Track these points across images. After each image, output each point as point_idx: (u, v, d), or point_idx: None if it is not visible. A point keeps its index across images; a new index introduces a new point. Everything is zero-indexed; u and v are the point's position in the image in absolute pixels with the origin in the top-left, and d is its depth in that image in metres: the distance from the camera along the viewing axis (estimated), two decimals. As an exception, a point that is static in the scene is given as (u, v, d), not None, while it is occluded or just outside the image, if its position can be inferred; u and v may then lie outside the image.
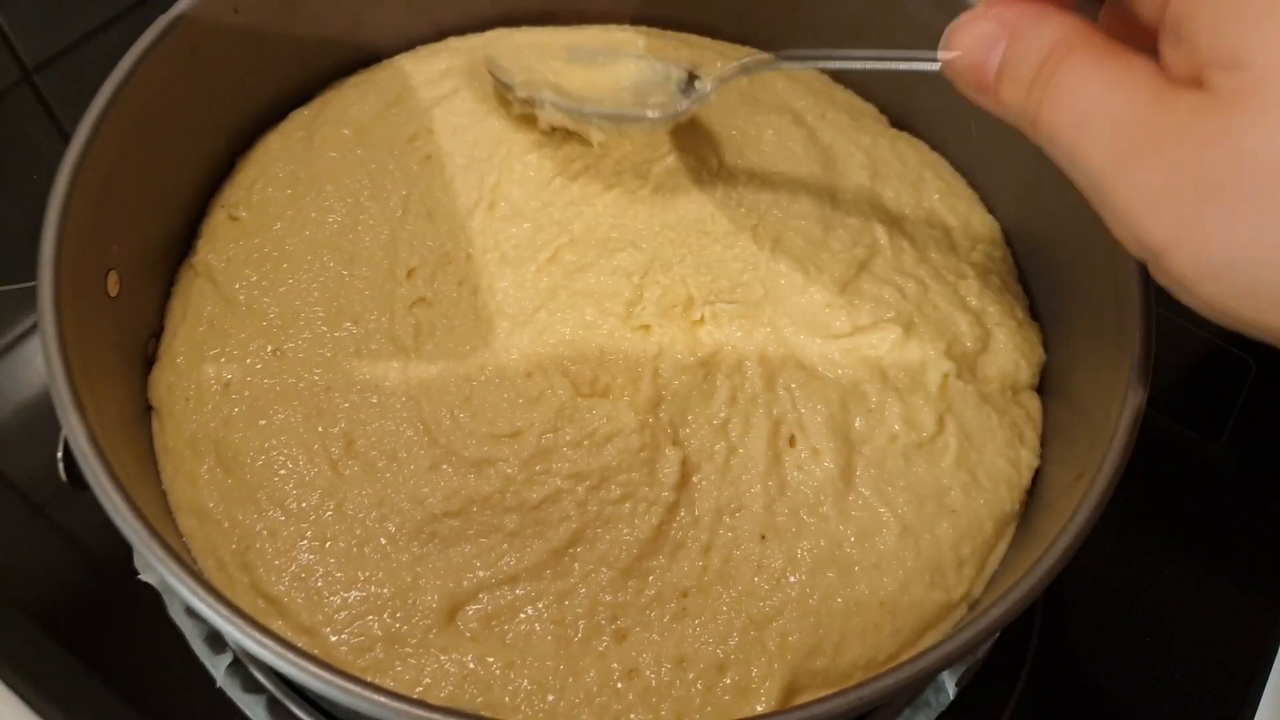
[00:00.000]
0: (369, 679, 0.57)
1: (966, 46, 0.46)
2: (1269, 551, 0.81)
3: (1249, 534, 0.83)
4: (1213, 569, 0.81)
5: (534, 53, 0.77)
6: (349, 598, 0.59)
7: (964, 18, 0.47)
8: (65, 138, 0.60)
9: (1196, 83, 0.37)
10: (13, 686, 0.69)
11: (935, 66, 0.50)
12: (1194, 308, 0.38)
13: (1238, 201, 0.34)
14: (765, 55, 0.66)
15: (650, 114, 0.70)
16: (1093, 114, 0.39)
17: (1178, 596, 0.80)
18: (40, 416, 0.85)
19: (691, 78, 0.71)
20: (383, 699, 0.45)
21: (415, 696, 0.57)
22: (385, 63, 0.83)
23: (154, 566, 0.46)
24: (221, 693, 0.64)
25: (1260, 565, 0.81)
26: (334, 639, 0.58)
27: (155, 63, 0.64)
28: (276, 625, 0.59)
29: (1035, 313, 0.75)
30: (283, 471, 0.63)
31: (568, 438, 0.63)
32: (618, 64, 0.74)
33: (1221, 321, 0.37)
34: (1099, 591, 0.79)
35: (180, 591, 0.46)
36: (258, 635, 0.46)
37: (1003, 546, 0.65)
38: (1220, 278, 0.35)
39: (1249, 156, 0.33)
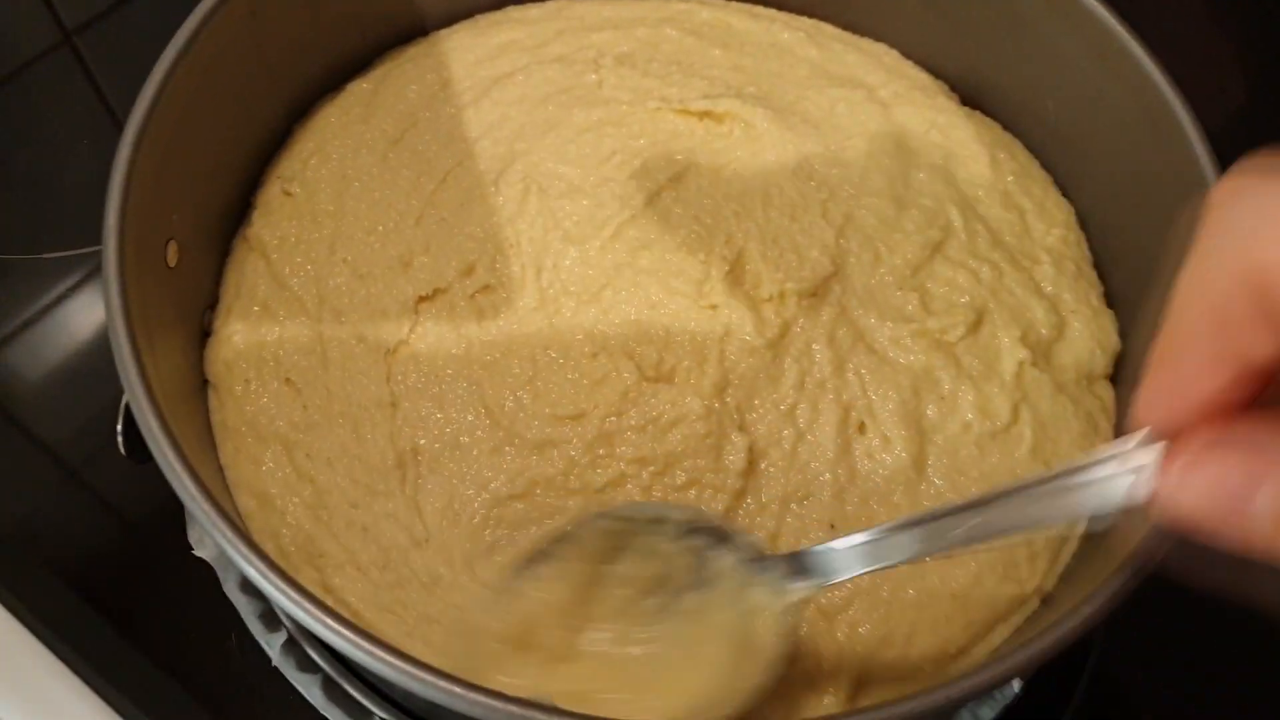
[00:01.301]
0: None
1: (1201, 493, 0.34)
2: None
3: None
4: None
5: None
6: (427, 601, 0.58)
7: (1175, 452, 0.35)
8: (105, 101, 0.59)
9: None
10: (51, 648, 0.69)
11: (1127, 503, 0.38)
12: None
13: None
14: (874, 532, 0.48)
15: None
16: None
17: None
18: (74, 381, 0.84)
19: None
20: (456, 688, 0.43)
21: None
22: (445, 33, 0.81)
23: (221, 547, 0.45)
24: (262, 665, 0.63)
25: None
26: (405, 643, 0.57)
27: (217, 25, 0.63)
28: None
29: (1110, 300, 0.72)
30: (351, 478, 0.61)
31: (632, 422, 0.61)
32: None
33: None
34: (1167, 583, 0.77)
35: (250, 574, 0.45)
36: (328, 620, 0.45)
37: (1075, 538, 0.63)
38: None
39: None
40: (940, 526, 0.45)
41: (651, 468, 0.60)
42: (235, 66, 0.67)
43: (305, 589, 0.46)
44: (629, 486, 0.60)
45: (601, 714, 0.44)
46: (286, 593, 0.45)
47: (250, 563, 0.46)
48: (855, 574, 0.49)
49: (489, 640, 0.51)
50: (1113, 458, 0.38)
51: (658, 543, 0.54)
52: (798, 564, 0.50)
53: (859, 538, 0.48)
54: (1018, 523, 0.43)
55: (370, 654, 0.43)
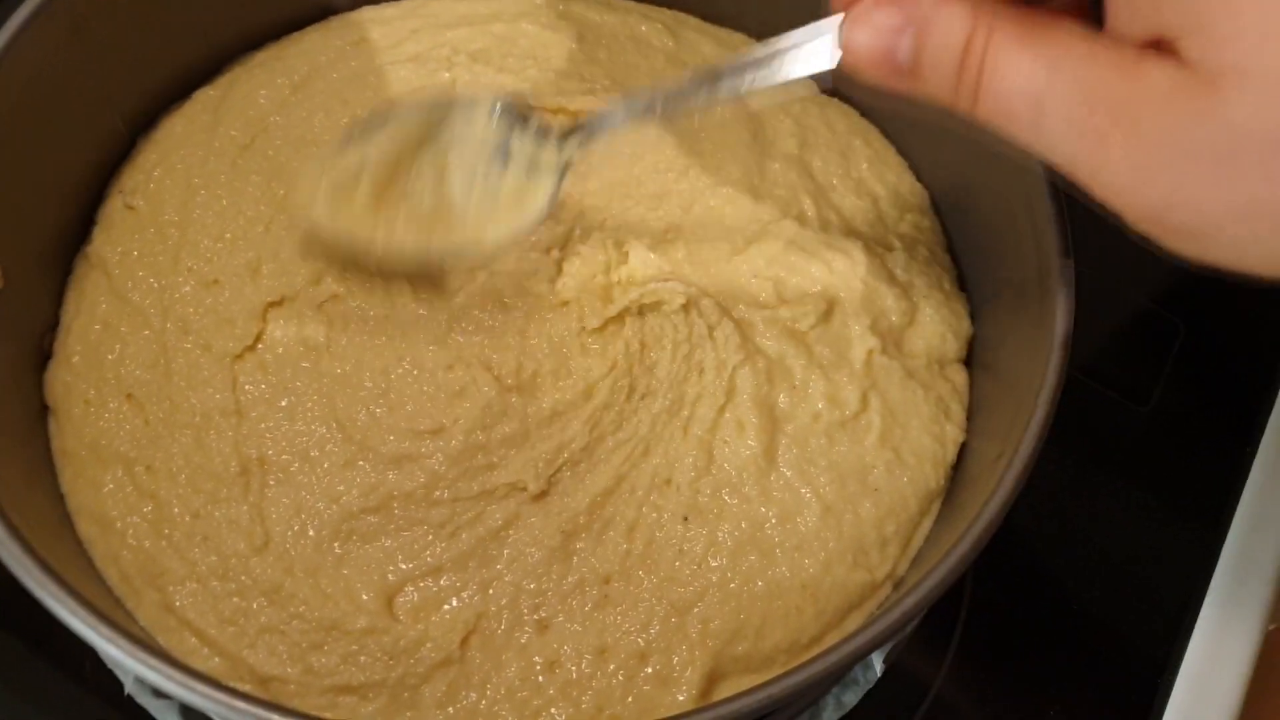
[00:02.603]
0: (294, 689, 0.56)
1: (868, 39, 0.43)
2: (1192, 518, 0.81)
3: (1173, 501, 0.82)
4: (1138, 531, 0.81)
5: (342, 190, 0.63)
6: (269, 611, 0.58)
7: (858, 8, 0.43)
8: None
9: (1156, 45, 0.37)
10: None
11: (829, 65, 0.47)
12: (1187, 258, 0.39)
13: (1237, 168, 0.35)
14: (609, 103, 0.59)
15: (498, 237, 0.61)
16: (1044, 96, 0.38)
17: (1101, 557, 0.80)
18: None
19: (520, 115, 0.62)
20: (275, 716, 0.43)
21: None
22: (296, 36, 0.79)
23: (37, 595, 0.44)
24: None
25: (1184, 528, 0.81)
26: (248, 654, 0.57)
27: (32, 43, 0.61)
28: (191, 643, 0.57)
29: (963, 283, 0.73)
30: (194, 487, 0.61)
31: (497, 436, 0.61)
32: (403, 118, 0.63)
33: (1218, 270, 0.39)
34: (1026, 552, 0.80)
35: (67, 620, 0.44)
36: (158, 665, 0.44)
37: (928, 523, 0.65)
38: (1222, 231, 0.37)
39: (1247, 133, 0.35)
40: (680, 92, 0.54)
41: (519, 479, 0.61)
42: (61, 84, 0.65)
43: (125, 629, 0.45)
44: (495, 495, 0.60)
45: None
46: (110, 639, 0.44)
47: (66, 606, 0.45)
48: (610, 127, 0.58)
49: (322, 185, 0.62)
50: (814, 27, 0.48)
51: (468, 128, 0.62)
52: (573, 127, 0.60)
53: (614, 100, 0.59)
54: (748, 85, 0.52)
55: (186, 687, 0.43)
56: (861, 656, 0.51)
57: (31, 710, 0.68)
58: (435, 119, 0.62)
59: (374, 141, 0.62)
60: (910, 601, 0.50)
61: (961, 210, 0.75)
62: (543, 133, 0.61)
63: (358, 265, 0.65)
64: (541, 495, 0.61)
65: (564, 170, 0.60)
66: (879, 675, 0.66)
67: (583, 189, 0.70)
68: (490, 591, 0.59)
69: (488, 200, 0.61)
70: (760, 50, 0.51)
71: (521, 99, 0.63)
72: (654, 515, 0.61)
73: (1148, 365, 0.85)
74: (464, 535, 0.60)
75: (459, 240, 0.61)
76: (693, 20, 0.84)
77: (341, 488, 0.60)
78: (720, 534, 0.61)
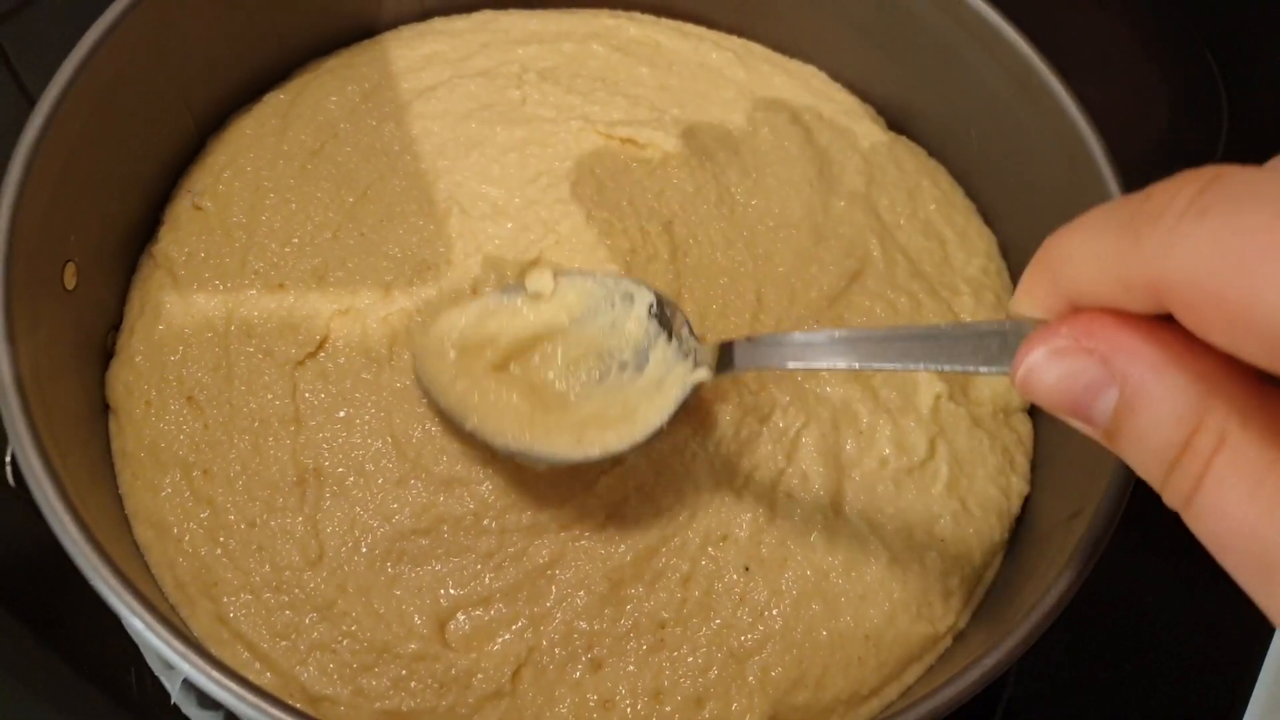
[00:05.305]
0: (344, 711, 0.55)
1: (1056, 382, 0.35)
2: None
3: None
4: (1196, 587, 0.80)
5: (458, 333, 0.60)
6: (321, 627, 0.57)
7: (1041, 337, 0.35)
8: (26, 93, 0.56)
9: None
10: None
11: (1002, 370, 0.40)
12: None
13: None
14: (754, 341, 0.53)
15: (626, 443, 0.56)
16: (1233, 540, 0.32)
17: (1158, 614, 0.79)
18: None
19: (662, 317, 0.58)
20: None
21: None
22: (366, 44, 0.79)
23: (104, 596, 0.43)
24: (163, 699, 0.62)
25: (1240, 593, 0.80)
26: (299, 671, 0.56)
27: (121, 38, 0.60)
28: (243, 657, 0.56)
29: (1030, 331, 0.72)
30: (250, 494, 0.60)
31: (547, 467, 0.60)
32: (562, 293, 0.60)
33: None
34: (1080, 607, 0.78)
35: (134, 625, 0.43)
36: (223, 680, 0.43)
37: (989, 576, 0.64)
38: None
39: None
40: (838, 346, 0.48)
41: (569, 513, 0.59)
42: (142, 80, 0.64)
43: (187, 636, 0.44)
44: (544, 529, 0.59)
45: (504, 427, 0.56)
46: (172, 644, 0.43)
47: (136, 614, 0.44)
48: (753, 366, 0.53)
49: (450, 335, 0.59)
50: (1008, 323, 0.40)
51: (624, 320, 0.59)
52: (717, 355, 0.55)
53: (765, 338, 0.53)
54: (902, 361, 0.45)
55: (244, 701, 0.42)
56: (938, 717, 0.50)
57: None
58: (592, 303, 0.60)
59: (522, 309, 0.60)
60: (990, 661, 0.49)
61: (1030, 255, 0.73)
62: (684, 349, 0.57)
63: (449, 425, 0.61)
64: (584, 538, 0.60)
65: (690, 391, 0.55)
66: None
67: (651, 214, 0.70)
68: (542, 627, 0.58)
69: (605, 401, 0.57)
70: (942, 331, 0.44)
71: (672, 304, 0.59)
72: (712, 567, 0.60)
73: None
74: (509, 568, 0.58)
75: (556, 441, 0.56)
76: (763, 50, 0.83)
77: (394, 505, 0.60)
78: (784, 582, 0.59)
